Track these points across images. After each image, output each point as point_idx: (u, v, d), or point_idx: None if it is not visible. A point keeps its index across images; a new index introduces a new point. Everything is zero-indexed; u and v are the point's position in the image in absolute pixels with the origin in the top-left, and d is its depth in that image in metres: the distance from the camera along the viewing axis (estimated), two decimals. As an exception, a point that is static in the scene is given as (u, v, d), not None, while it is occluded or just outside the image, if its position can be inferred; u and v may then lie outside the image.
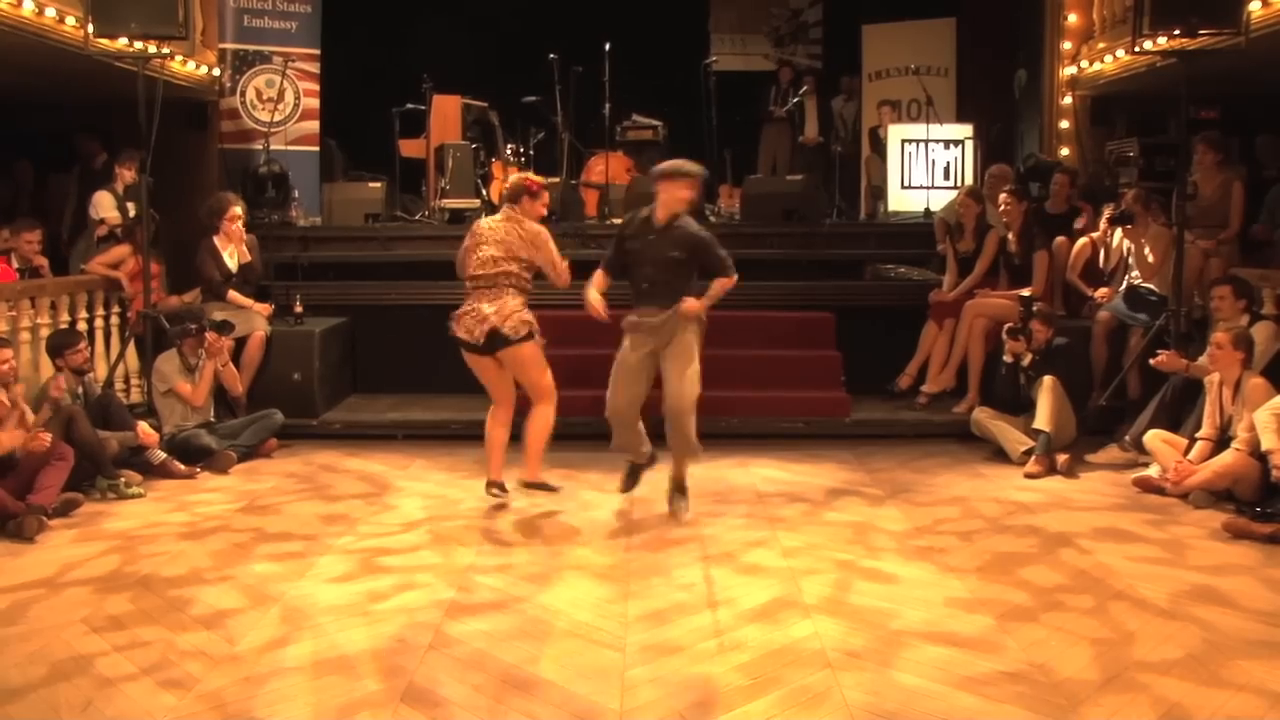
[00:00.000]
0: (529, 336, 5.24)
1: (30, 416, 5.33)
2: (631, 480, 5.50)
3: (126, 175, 7.61)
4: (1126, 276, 6.95)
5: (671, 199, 5.13)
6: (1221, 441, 5.46)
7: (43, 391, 5.65)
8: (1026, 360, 6.30)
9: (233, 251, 7.04)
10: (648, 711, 3.23)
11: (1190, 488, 5.36)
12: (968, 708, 3.23)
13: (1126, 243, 6.95)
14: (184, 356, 6.40)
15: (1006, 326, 6.41)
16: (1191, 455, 5.53)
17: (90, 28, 6.14)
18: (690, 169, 5.17)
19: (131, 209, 7.38)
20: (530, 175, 5.56)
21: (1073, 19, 9.10)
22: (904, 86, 10.94)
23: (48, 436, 5.18)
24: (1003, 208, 7.20)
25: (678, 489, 5.32)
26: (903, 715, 3.18)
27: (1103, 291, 7.13)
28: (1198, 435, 5.60)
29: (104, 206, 7.64)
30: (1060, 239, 7.44)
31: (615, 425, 5.30)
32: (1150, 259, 6.74)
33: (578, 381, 6.88)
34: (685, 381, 5.07)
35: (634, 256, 5.20)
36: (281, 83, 9.27)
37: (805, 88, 11.21)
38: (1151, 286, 6.72)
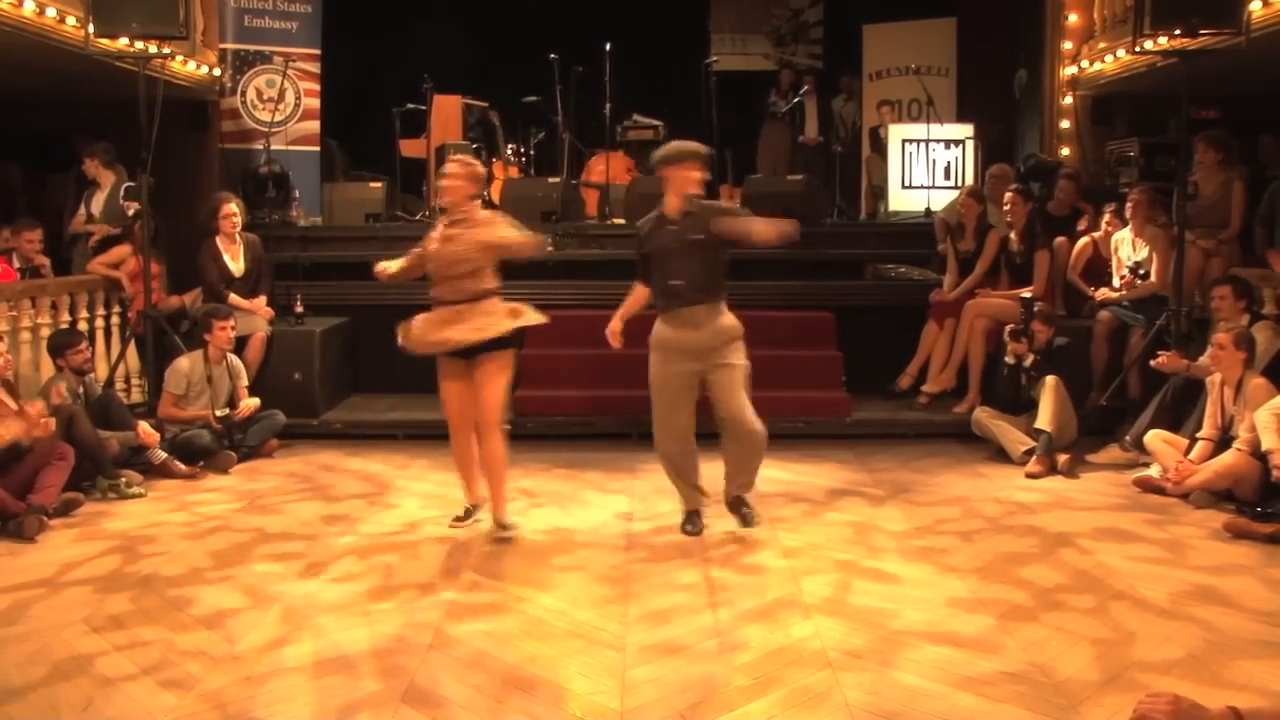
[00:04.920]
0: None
1: (31, 410, 5.32)
2: (693, 526, 4.98)
3: (91, 169, 7.44)
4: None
5: (681, 182, 4.82)
6: (1223, 442, 5.45)
7: (43, 392, 5.65)
8: (1028, 361, 6.30)
9: (236, 253, 7.03)
10: (648, 711, 3.22)
11: (1191, 488, 5.36)
12: (968, 708, 3.23)
13: (1132, 242, 6.95)
14: (209, 361, 6.35)
15: (1008, 329, 6.40)
16: (1192, 455, 5.53)
17: (91, 28, 6.14)
18: (696, 149, 4.88)
19: (132, 209, 7.36)
20: None
21: (1073, 19, 9.09)
22: (904, 86, 10.94)
23: (52, 422, 5.18)
24: (1007, 207, 7.19)
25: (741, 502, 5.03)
26: (903, 715, 3.18)
27: (1103, 291, 7.12)
28: (1199, 435, 5.60)
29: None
30: (1061, 239, 7.44)
31: (669, 462, 4.99)
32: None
33: (581, 381, 6.93)
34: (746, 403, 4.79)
35: (657, 256, 4.87)
36: (282, 83, 9.26)
37: (805, 87, 11.20)
38: (1153, 284, 6.73)
